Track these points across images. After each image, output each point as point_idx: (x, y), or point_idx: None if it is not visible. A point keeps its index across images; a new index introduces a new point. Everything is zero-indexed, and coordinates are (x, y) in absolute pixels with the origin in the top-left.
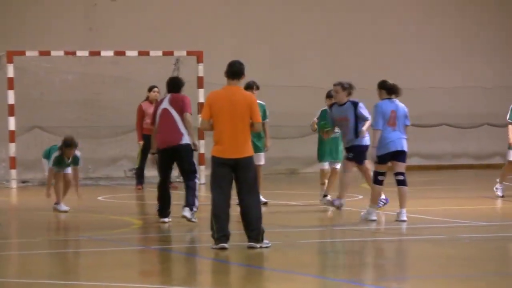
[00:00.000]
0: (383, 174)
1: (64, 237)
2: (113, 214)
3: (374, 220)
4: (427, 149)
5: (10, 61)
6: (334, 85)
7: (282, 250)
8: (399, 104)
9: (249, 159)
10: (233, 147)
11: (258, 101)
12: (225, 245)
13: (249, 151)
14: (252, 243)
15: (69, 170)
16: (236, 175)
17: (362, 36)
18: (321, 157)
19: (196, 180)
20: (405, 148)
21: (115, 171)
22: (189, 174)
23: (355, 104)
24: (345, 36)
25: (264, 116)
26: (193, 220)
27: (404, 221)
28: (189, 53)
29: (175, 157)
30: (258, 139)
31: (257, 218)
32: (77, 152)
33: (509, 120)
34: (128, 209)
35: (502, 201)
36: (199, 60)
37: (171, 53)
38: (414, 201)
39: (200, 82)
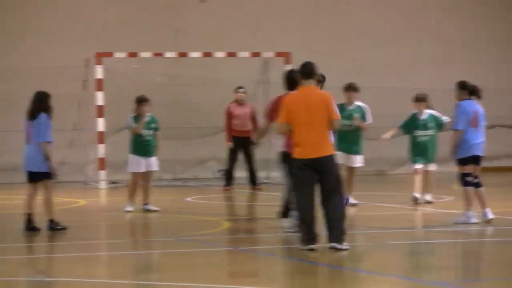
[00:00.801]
0: (470, 174)
1: (152, 238)
2: (201, 215)
3: (475, 223)
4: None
5: (99, 62)
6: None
7: (372, 251)
8: (479, 105)
9: (330, 158)
10: (313, 147)
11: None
12: (314, 246)
13: (329, 150)
14: (334, 244)
15: (153, 166)
16: (318, 175)
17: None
18: (413, 159)
19: None
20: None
21: (203, 172)
22: None
23: None
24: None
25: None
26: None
27: (491, 219)
28: (277, 55)
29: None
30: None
31: (339, 219)
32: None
33: None
34: (217, 210)
35: None
36: (287, 61)
37: (258, 55)
38: (494, 203)
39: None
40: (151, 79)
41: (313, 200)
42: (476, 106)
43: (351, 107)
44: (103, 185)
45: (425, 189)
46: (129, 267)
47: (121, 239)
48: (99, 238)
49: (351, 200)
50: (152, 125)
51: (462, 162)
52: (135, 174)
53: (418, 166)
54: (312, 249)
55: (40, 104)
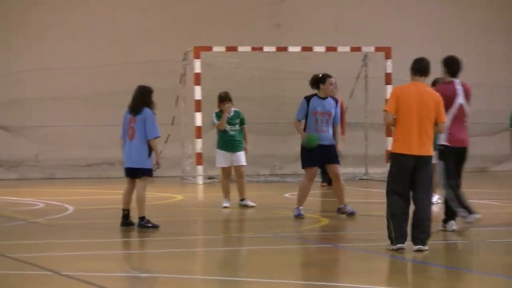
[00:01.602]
0: None
1: (249, 234)
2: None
3: None
4: None
5: (197, 56)
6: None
7: (470, 249)
8: None
9: (429, 158)
10: (418, 144)
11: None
12: (403, 245)
13: (430, 150)
14: (420, 246)
15: (241, 161)
16: (414, 174)
17: None
18: None
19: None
20: None
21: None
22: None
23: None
24: None
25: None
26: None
27: None
28: (377, 49)
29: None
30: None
31: (427, 220)
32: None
33: None
34: (315, 206)
35: None
36: (388, 56)
37: (359, 49)
38: None
39: (388, 79)
40: (250, 74)
41: (409, 197)
42: None
43: None
44: (200, 180)
45: None
46: (223, 264)
47: (216, 235)
48: (194, 234)
49: (436, 197)
50: (237, 120)
51: None
52: (223, 170)
53: None
54: (400, 248)
55: (143, 99)
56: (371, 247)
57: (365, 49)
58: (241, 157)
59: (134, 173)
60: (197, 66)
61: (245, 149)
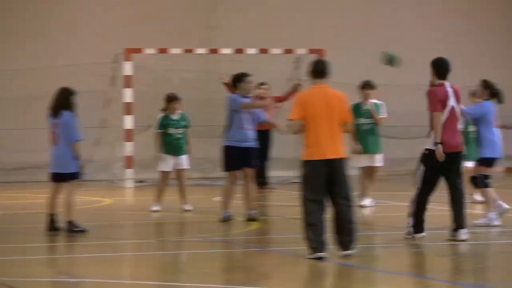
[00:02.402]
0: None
1: (178, 238)
2: None
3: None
4: None
5: (128, 58)
6: None
7: (404, 252)
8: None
9: (343, 161)
10: (330, 148)
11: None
12: (323, 254)
13: (343, 152)
14: (347, 251)
15: (183, 164)
16: (330, 178)
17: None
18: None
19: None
20: None
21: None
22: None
23: None
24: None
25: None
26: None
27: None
28: (311, 51)
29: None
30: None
31: (351, 224)
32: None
33: None
34: (246, 210)
35: None
36: (322, 58)
37: (291, 51)
38: None
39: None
40: (182, 76)
41: (324, 204)
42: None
43: (367, 106)
44: (129, 184)
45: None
46: (152, 268)
47: (145, 239)
48: (123, 238)
49: (369, 202)
50: (183, 123)
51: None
52: (164, 173)
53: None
54: (320, 258)
55: (63, 101)
56: (299, 251)
57: (298, 51)
58: (184, 161)
59: (61, 178)
60: (128, 68)
61: (188, 153)
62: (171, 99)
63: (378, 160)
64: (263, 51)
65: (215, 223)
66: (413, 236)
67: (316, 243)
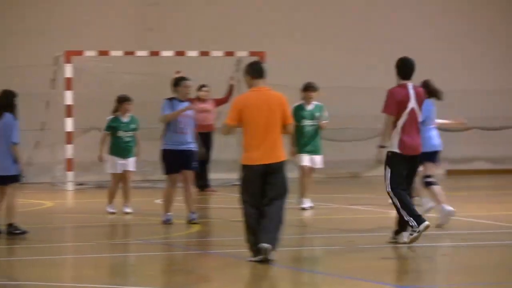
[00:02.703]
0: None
1: (119, 241)
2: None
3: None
4: (493, 152)
5: (68, 61)
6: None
7: (344, 255)
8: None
9: (282, 164)
10: (268, 152)
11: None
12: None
13: (282, 155)
14: (265, 244)
15: (130, 166)
16: (267, 180)
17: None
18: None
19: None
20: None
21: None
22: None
23: None
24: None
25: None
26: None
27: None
28: (251, 54)
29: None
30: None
31: (277, 223)
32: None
33: None
34: (186, 212)
35: None
36: (262, 60)
37: (232, 54)
38: (478, 206)
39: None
40: (123, 78)
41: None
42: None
43: (310, 107)
44: (70, 186)
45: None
46: (93, 270)
47: (86, 241)
48: (64, 241)
49: (308, 203)
50: (132, 126)
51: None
52: (114, 175)
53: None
54: (262, 260)
55: (4, 103)
56: (240, 253)
57: (239, 53)
58: (132, 163)
59: (1, 181)
60: (69, 71)
61: (137, 155)
62: (122, 100)
63: (318, 161)
64: (204, 53)
65: (156, 226)
66: (419, 231)
67: (256, 246)
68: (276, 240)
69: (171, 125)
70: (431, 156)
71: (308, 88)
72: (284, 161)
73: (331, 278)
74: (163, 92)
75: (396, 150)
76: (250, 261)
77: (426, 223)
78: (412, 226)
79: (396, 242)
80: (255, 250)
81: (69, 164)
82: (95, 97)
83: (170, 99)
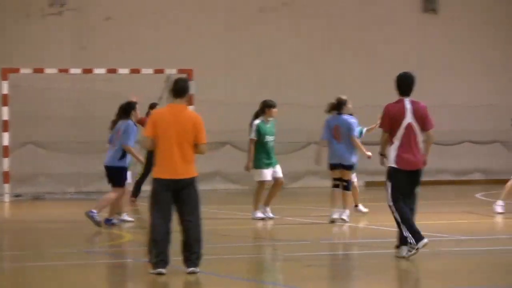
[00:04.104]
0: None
1: (53, 250)
2: (104, 227)
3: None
4: None
5: (4, 78)
6: None
7: (268, 262)
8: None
9: (193, 180)
10: (178, 167)
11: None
12: (163, 270)
13: (193, 172)
14: (192, 268)
15: None
16: (178, 197)
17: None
18: None
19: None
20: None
21: (107, 185)
22: None
23: None
24: (341, 56)
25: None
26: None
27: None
28: (180, 71)
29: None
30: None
31: (198, 241)
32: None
33: None
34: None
35: (484, 216)
36: (190, 77)
37: (162, 71)
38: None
39: (190, 99)
40: (58, 95)
41: (170, 222)
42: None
43: (270, 124)
44: (6, 198)
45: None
46: (22, 280)
47: (21, 251)
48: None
49: (270, 214)
50: None
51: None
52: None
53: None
54: (161, 273)
55: None
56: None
57: (168, 71)
58: None
59: None
60: (5, 88)
61: None
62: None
63: (280, 172)
64: (135, 71)
65: (90, 235)
66: (417, 248)
67: (157, 259)
68: (199, 256)
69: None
70: (332, 166)
71: (271, 105)
72: (195, 177)
73: (254, 285)
74: (96, 107)
75: (394, 165)
76: (151, 273)
77: (425, 240)
78: (410, 243)
79: (398, 257)
80: (154, 263)
81: (6, 177)
82: (31, 113)
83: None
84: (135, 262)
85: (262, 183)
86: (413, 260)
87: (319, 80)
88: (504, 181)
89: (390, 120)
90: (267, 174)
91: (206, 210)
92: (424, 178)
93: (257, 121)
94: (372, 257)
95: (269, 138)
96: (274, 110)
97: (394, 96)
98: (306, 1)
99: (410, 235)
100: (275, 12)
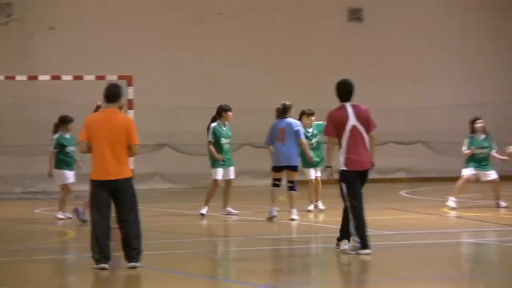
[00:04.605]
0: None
1: (1, 247)
2: (48, 225)
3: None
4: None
5: None
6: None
7: (200, 257)
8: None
9: (128, 180)
10: (112, 169)
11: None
12: (106, 265)
13: (127, 172)
14: (133, 263)
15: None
16: (115, 197)
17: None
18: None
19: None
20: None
21: (51, 186)
22: None
23: None
24: (274, 63)
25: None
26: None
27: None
28: (120, 77)
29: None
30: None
31: (137, 237)
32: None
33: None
34: (63, 221)
35: (406, 212)
36: (129, 83)
37: (103, 77)
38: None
39: (130, 104)
40: (4, 101)
41: (109, 220)
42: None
43: (225, 127)
44: None
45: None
46: None
47: None
48: None
49: (232, 210)
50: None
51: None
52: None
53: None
54: (104, 268)
55: None
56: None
57: (109, 77)
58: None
59: None
60: None
61: None
62: (69, 120)
63: (232, 173)
64: (77, 77)
65: (36, 233)
66: (357, 253)
67: (99, 255)
68: (139, 252)
69: None
70: (275, 168)
71: (227, 109)
72: (130, 178)
73: (194, 279)
74: (39, 113)
75: (345, 167)
76: (94, 268)
77: (368, 251)
78: (355, 246)
79: (337, 249)
80: (97, 258)
81: None
82: None
83: None
84: (79, 258)
85: (215, 181)
86: (348, 253)
87: (254, 86)
88: (426, 179)
89: (335, 126)
90: (220, 173)
91: (145, 208)
92: None
93: (214, 124)
94: (312, 251)
95: (224, 141)
96: (230, 113)
97: (324, 101)
98: (241, 11)
99: (358, 239)
100: (212, 21)
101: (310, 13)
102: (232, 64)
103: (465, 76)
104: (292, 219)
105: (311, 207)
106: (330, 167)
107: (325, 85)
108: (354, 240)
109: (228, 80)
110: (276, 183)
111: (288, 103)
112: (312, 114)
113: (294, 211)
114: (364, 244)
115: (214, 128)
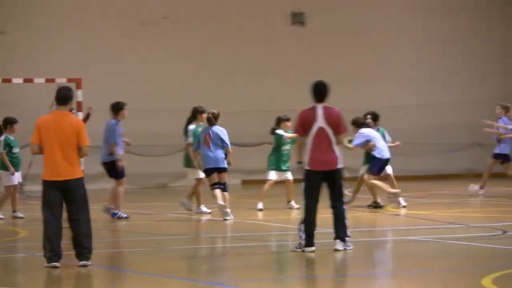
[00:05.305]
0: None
1: None
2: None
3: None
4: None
5: None
6: None
7: (154, 255)
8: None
9: (78, 181)
10: (62, 169)
11: None
12: (57, 264)
13: (78, 173)
14: (84, 261)
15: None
16: (66, 196)
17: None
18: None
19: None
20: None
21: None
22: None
23: None
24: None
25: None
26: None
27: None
28: (69, 80)
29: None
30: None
31: (88, 236)
32: None
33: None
34: (18, 220)
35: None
36: (78, 86)
37: (53, 80)
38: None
39: (79, 106)
40: None
41: (60, 220)
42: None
43: (200, 127)
44: None
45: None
46: None
47: None
48: None
49: (204, 209)
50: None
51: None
52: (14, 186)
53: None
54: (55, 267)
55: None
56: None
57: (58, 80)
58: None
59: None
60: None
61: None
62: (14, 121)
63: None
64: (28, 80)
65: None
66: (303, 250)
67: (50, 254)
68: (90, 251)
69: None
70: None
71: (202, 111)
72: (80, 178)
73: (144, 277)
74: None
75: (307, 167)
76: (46, 267)
77: (312, 248)
78: (300, 243)
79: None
80: (48, 257)
81: None
82: None
83: None
84: (30, 256)
85: (199, 180)
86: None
87: (199, 88)
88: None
89: (302, 125)
90: (200, 172)
91: (96, 208)
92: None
93: (192, 126)
94: (256, 248)
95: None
96: (204, 115)
97: (266, 103)
98: (186, 15)
99: (303, 236)
100: (156, 25)
101: (253, 16)
102: (174, 68)
103: (407, 78)
104: (225, 219)
105: (261, 206)
106: (300, 162)
107: (265, 87)
108: (301, 237)
109: (173, 83)
110: (214, 186)
111: (216, 111)
112: (288, 119)
113: (228, 210)
114: (310, 242)
115: (193, 130)
